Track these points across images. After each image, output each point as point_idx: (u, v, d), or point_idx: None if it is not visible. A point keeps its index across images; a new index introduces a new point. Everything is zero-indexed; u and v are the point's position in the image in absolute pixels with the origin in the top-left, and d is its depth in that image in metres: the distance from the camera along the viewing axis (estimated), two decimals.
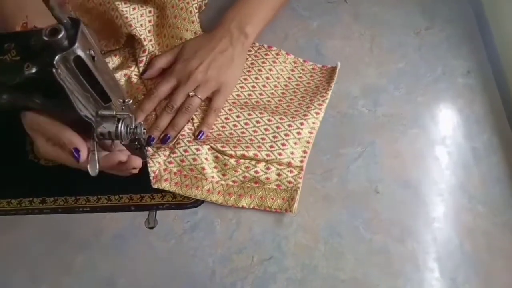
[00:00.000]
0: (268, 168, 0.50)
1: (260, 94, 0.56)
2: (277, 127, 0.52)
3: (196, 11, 0.59)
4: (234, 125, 0.53)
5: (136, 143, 0.49)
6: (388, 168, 0.52)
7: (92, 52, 0.35)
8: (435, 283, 0.46)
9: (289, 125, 0.52)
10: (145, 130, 0.42)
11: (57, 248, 0.48)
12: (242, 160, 0.50)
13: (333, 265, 0.47)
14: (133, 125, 0.40)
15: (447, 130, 0.54)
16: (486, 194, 0.50)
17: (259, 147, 0.51)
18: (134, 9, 0.57)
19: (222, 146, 0.50)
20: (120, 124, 0.39)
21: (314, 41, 0.60)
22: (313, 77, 0.57)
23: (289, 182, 0.49)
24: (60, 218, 0.50)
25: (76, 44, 0.32)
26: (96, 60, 0.36)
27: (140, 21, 0.58)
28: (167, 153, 0.51)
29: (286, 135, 0.51)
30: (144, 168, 0.49)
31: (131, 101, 0.43)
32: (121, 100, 0.42)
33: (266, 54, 0.58)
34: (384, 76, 0.57)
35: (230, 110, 0.54)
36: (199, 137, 0.52)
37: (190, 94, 0.53)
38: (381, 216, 0.49)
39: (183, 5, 0.59)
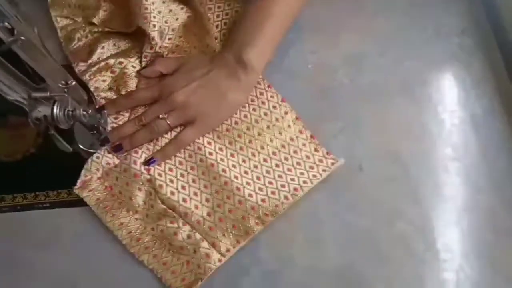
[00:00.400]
0: (189, 237, 0.42)
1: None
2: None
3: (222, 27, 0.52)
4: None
5: (96, 132, 0.46)
6: (373, 143, 0.46)
7: (8, 24, 0.31)
8: (429, 269, 0.40)
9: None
10: (84, 112, 0.38)
11: (14, 249, 0.45)
12: (170, 211, 0.44)
13: (313, 255, 0.42)
14: (70, 107, 0.36)
15: (440, 97, 0.48)
16: (487, 166, 0.44)
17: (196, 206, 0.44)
18: (164, 2, 0.52)
19: (160, 186, 0.44)
20: (55, 107, 0.35)
21: None
22: (308, 159, 0.46)
23: (199, 266, 0.41)
24: (18, 216, 0.46)
25: None
26: (17, 34, 0.32)
27: (166, 16, 0.52)
28: (111, 161, 0.46)
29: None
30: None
31: (74, 82, 0.39)
32: (63, 82, 0.38)
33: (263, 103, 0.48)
34: (366, 41, 0.51)
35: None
36: (148, 164, 0.45)
37: (160, 116, 0.46)
38: (366, 196, 0.44)
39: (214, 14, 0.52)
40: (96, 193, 0.45)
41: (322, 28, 0.53)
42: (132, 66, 0.51)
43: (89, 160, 0.46)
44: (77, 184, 0.45)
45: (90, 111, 0.40)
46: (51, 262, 0.43)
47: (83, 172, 0.45)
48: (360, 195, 0.44)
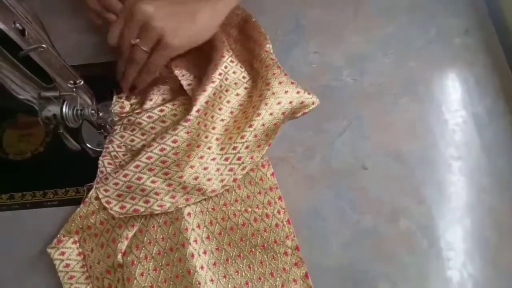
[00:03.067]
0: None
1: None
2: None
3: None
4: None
5: (102, 131, 0.47)
6: (377, 142, 0.46)
7: (19, 25, 0.31)
8: (433, 267, 0.40)
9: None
10: (93, 111, 0.39)
11: (24, 245, 0.45)
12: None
13: (317, 252, 0.42)
14: (79, 106, 0.37)
15: (443, 96, 0.48)
16: (490, 165, 0.44)
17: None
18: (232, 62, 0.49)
19: (128, 279, 0.40)
20: (64, 106, 0.36)
21: (293, 10, 0.55)
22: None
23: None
24: (28, 214, 0.47)
25: None
26: (27, 35, 0.32)
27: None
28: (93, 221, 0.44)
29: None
30: None
31: (82, 82, 0.40)
32: (71, 82, 0.39)
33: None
34: (370, 42, 0.52)
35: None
36: (131, 91, 0.47)
37: (133, 42, 0.43)
38: (370, 194, 0.44)
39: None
40: (67, 258, 0.42)
41: (325, 29, 0.53)
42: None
43: (72, 217, 0.44)
44: (52, 243, 0.43)
45: (98, 109, 0.40)
46: None
47: (61, 231, 0.44)
48: (364, 194, 0.44)
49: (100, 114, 0.43)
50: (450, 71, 0.49)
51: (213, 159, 0.44)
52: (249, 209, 0.43)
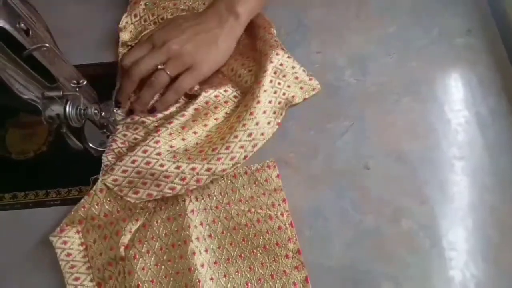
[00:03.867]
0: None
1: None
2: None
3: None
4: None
5: (105, 130, 0.47)
6: (379, 142, 0.46)
7: (23, 25, 0.32)
8: (435, 267, 0.40)
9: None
10: (96, 111, 0.39)
11: (26, 245, 0.45)
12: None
13: (319, 252, 0.42)
14: (82, 106, 0.37)
15: (446, 96, 0.48)
16: (493, 165, 0.44)
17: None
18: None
19: (129, 272, 0.40)
20: (68, 106, 0.36)
21: (295, 10, 0.55)
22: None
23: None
24: (30, 213, 0.47)
25: None
26: (31, 35, 0.33)
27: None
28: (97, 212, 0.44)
29: None
30: None
31: (85, 82, 0.40)
32: (74, 82, 0.39)
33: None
34: (372, 42, 0.52)
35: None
36: (152, 112, 0.48)
37: (159, 66, 0.47)
38: (372, 194, 0.44)
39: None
40: (69, 247, 0.43)
41: (328, 29, 0.53)
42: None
43: (76, 207, 0.44)
44: (55, 232, 0.43)
45: (101, 109, 0.40)
46: None
47: (64, 220, 0.43)
48: (366, 194, 0.44)
49: (103, 113, 0.43)
50: (452, 71, 0.49)
51: (222, 138, 0.44)
52: (253, 210, 0.43)
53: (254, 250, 0.42)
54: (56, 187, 0.48)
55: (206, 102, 0.48)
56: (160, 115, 0.48)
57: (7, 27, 0.30)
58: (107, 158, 0.46)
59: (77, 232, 0.43)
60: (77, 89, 0.39)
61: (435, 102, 0.48)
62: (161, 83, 0.47)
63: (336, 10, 0.54)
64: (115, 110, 0.48)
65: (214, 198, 0.44)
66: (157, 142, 0.44)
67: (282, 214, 0.43)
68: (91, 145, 0.48)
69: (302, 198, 0.44)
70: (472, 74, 0.49)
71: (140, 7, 0.55)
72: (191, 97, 0.50)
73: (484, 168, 0.44)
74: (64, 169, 0.49)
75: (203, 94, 0.48)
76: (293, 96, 0.48)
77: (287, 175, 0.45)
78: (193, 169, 0.42)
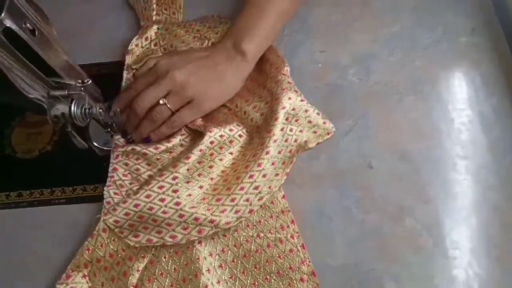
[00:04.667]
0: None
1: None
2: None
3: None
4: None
5: (110, 129, 0.47)
6: (383, 141, 0.46)
7: (29, 25, 0.32)
8: (438, 266, 0.40)
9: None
10: (101, 110, 0.39)
11: (32, 243, 0.46)
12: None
13: (322, 251, 0.42)
14: (87, 105, 0.37)
15: (449, 96, 0.48)
16: (496, 164, 0.44)
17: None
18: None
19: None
20: (73, 105, 0.36)
21: (298, 9, 0.55)
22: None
23: None
24: (35, 212, 0.48)
25: (3, 14, 0.29)
26: (37, 35, 0.33)
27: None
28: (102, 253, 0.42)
29: None
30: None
31: (90, 81, 0.40)
32: (79, 81, 0.40)
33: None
34: (376, 41, 0.52)
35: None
36: (144, 141, 0.47)
37: (161, 102, 0.45)
38: (375, 193, 0.44)
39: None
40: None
41: (331, 28, 0.53)
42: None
43: (80, 251, 0.42)
44: (61, 279, 0.41)
45: (105, 108, 0.41)
46: (67, 256, 0.44)
47: (70, 266, 0.42)
48: (369, 193, 0.44)
49: (108, 113, 0.43)
50: (456, 70, 0.49)
51: (228, 188, 0.43)
52: (262, 234, 0.42)
53: (268, 277, 0.41)
54: (61, 185, 0.49)
55: (211, 142, 0.45)
56: (162, 147, 0.46)
57: (14, 27, 0.30)
58: (109, 193, 0.44)
59: (84, 276, 0.41)
60: (82, 88, 0.39)
61: (438, 101, 0.48)
62: (163, 118, 0.46)
63: (339, 9, 0.54)
64: (114, 137, 0.48)
65: None
66: (161, 187, 0.42)
67: (292, 236, 0.42)
68: (95, 144, 0.49)
69: (305, 197, 0.44)
70: (476, 73, 0.49)
71: (152, 30, 0.54)
72: (191, 129, 0.48)
73: (487, 167, 0.44)
74: (68, 168, 0.50)
75: (208, 134, 0.45)
76: (305, 142, 0.45)
77: (290, 174, 0.45)
78: (196, 219, 0.41)
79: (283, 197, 0.44)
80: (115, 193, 0.44)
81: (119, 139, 0.48)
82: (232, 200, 0.42)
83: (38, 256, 0.45)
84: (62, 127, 0.40)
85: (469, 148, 0.45)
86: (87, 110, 0.37)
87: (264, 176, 0.43)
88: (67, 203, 0.48)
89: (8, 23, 0.29)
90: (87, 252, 0.42)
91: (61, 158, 0.50)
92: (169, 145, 0.47)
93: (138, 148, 0.46)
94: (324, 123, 0.46)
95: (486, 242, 0.41)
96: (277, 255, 0.41)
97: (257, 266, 0.41)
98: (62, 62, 0.37)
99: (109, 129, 0.47)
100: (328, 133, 0.46)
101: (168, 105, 0.45)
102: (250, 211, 0.42)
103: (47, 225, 0.46)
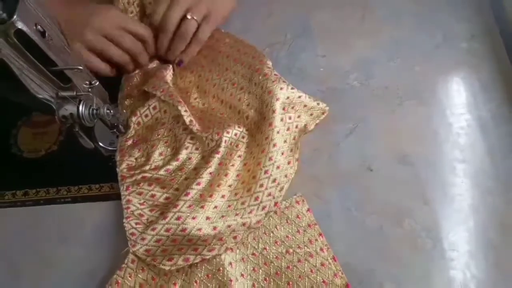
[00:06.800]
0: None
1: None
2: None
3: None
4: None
5: (115, 130, 0.48)
6: (383, 144, 0.47)
7: (40, 27, 0.33)
8: (437, 267, 0.41)
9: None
10: (108, 111, 0.40)
11: (37, 241, 0.47)
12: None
13: None
14: (95, 105, 0.38)
15: (448, 100, 0.49)
16: (494, 168, 0.45)
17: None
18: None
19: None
20: (81, 105, 0.37)
21: (301, 14, 0.56)
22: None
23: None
24: (41, 210, 0.48)
25: (15, 17, 0.30)
26: (47, 36, 0.34)
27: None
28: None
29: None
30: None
31: (97, 82, 0.41)
32: (87, 82, 0.41)
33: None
34: (377, 47, 0.53)
35: None
36: (178, 65, 0.52)
37: (188, 16, 0.50)
38: (375, 196, 0.45)
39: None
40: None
41: (333, 33, 0.54)
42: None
43: (108, 285, 0.41)
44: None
45: (111, 109, 0.42)
46: (72, 254, 0.45)
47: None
48: (370, 195, 0.45)
49: (114, 114, 0.44)
50: (455, 76, 0.50)
51: (248, 190, 0.44)
52: (291, 250, 0.42)
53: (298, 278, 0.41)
54: (66, 184, 0.49)
55: (217, 152, 0.46)
56: (171, 167, 0.47)
57: (25, 29, 0.31)
58: (131, 225, 0.43)
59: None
60: (90, 89, 0.40)
61: (438, 106, 0.49)
62: (192, 31, 0.51)
63: (341, 15, 0.55)
64: (124, 111, 0.49)
65: (249, 245, 0.43)
66: (190, 206, 0.43)
67: (322, 250, 0.42)
68: (101, 144, 0.50)
69: (306, 198, 0.45)
70: (475, 78, 0.50)
71: None
72: (194, 140, 0.48)
73: (485, 171, 0.45)
74: (74, 167, 0.50)
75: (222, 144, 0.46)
76: (305, 125, 0.48)
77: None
78: (228, 226, 0.42)
79: (308, 210, 0.44)
80: (136, 223, 0.43)
81: (123, 169, 0.47)
82: (256, 199, 0.44)
83: (44, 255, 0.45)
84: (69, 127, 0.40)
85: (467, 152, 0.46)
86: (94, 110, 0.38)
87: (278, 167, 0.45)
88: (73, 202, 0.49)
89: (20, 25, 0.30)
90: (116, 286, 0.41)
91: (67, 157, 0.51)
92: (178, 163, 0.47)
93: (148, 175, 0.46)
94: (317, 104, 0.48)
95: (483, 245, 0.42)
96: (309, 270, 0.41)
97: (290, 283, 0.41)
98: (70, 64, 0.38)
99: (115, 130, 0.48)
100: (323, 113, 0.49)
101: (194, 16, 0.50)
102: (276, 204, 0.44)
103: (52, 224, 0.47)
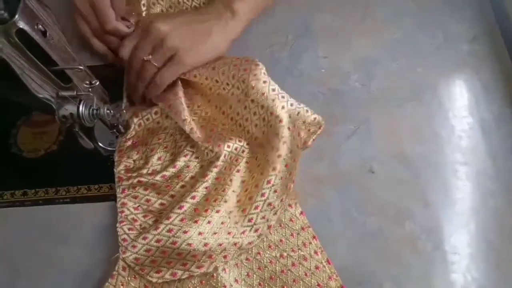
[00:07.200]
0: None
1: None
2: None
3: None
4: None
5: (115, 130, 0.48)
6: (384, 146, 0.47)
7: (41, 26, 0.33)
8: (437, 269, 0.41)
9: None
10: (108, 111, 0.40)
11: (36, 241, 0.46)
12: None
13: None
14: (95, 106, 0.38)
15: (450, 102, 0.49)
16: (496, 170, 0.45)
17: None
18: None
19: None
20: (81, 105, 0.37)
21: (302, 15, 0.56)
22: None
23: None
24: (40, 210, 0.48)
25: (17, 16, 0.30)
26: (48, 36, 0.34)
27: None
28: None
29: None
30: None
31: (98, 83, 0.41)
32: (87, 82, 0.40)
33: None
34: (378, 48, 0.53)
35: None
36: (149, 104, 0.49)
37: (145, 58, 0.44)
38: (376, 196, 0.45)
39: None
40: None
41: (334, 34, 0.54)
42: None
43: (115, 274, 0.41)
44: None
45: (112, 109, 0.41)
46: (71, 255, 0.45)
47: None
48: (370, 196, 0.45)
49: (114, 114, 0.44)
50: (457, 77, 0.50)
51: (243, 210, 0.43)
52: (285, 254, 0.42)
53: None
54: (65, 185, 0.49)
55: (215, 166, 0.45)
56: (168, 174, 0.46)
57: (27, 28, 0.31)
58: (123, 230, 0.43)
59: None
60: (90, 89, 0.40)
61: (439, 108, 0.49)
62: (150, 75, 0.46)
63: (342, 16, 0.55)
64: (125, 111, 0.49)
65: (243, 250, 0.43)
66: (182, 219, 0.42)
67: (316, 253, 0.42)
68: (100, 144, 0.49)
69: (307, 199, 0.45)
70: (477, 80, 0.50)
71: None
72: (194, 149, 0.47)
73: (487, 173, 0.45)
74: (73, 167, 0.50)
75: (221, 158, 0.45)
76: (304, 143, 0.46)
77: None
78: (220, 245, 0.41)
79: (301, 213, 0.44)
80: (129, 229, 0.43)
81: (120, 171, 0.46)
82: (250, 220, 0.42)
83: (43, 255, 0.45)
84: (69, 127, 0.40)
85: (469, 154, 0.46)
86: (94, 110, 0.38)
87: (275, 191, 0.43)
88: (72, 202, 0.48)
89: (22, 24, 0.30)
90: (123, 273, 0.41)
91: (66, 157, 0.51)
92: (175, 170, 0.46)
93: (144, 180, 0.46)
94: (314, 118, 0.46)
95: (484, 247, 0.42)
96: (303, 273, 0.41)
97: (285, 287, 0.41)
98: (71, 63, 0.37)
99: (114, 130, 0.48)
100: (319, 127, 0.46)
101: (154, 62, 0.45)
102: (269, 227, 0.42)
103: (51, 224, 0.47)
